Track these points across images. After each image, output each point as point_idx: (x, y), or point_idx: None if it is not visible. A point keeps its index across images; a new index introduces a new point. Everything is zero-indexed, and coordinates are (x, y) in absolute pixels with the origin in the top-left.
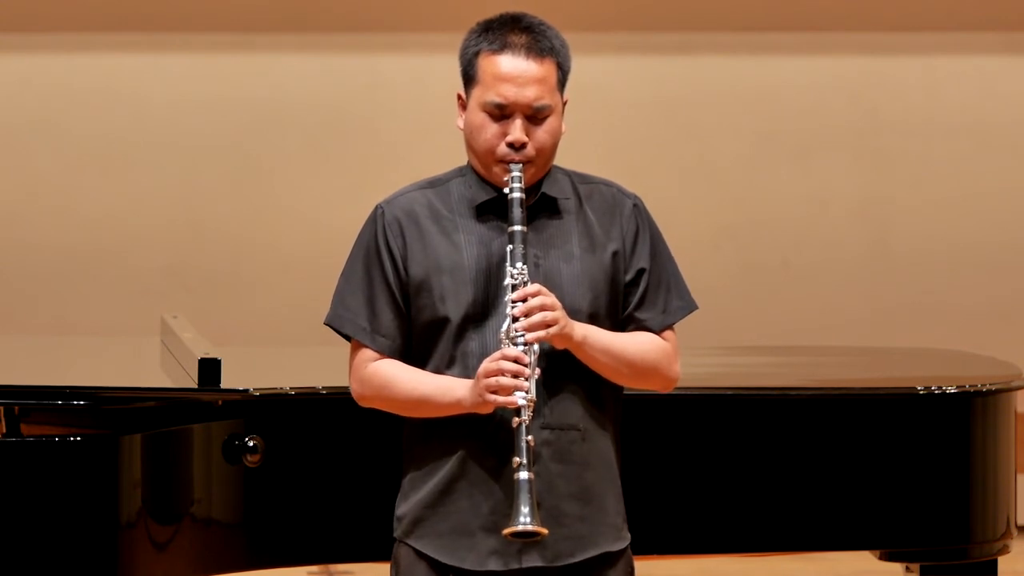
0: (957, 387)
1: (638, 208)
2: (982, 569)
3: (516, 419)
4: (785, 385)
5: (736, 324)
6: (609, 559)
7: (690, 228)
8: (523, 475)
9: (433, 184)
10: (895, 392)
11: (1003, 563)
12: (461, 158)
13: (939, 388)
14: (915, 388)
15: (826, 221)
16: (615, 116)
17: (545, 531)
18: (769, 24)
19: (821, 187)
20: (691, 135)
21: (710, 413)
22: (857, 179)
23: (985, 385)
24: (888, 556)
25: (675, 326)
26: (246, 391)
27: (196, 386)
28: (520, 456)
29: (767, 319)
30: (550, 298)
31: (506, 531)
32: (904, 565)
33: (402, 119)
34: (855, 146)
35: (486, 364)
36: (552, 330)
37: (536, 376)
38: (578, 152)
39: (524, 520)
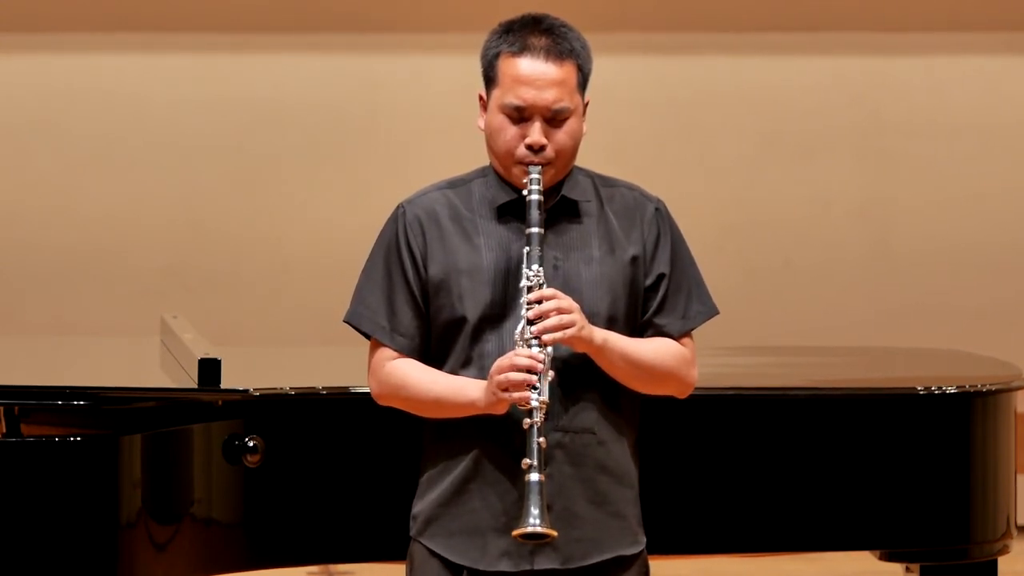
0: (957, 387)
1: (660, 212)
2: (982, 569)
3: (528, 420)
4: (785, 385)
5: (738, 324)
6: (623, 562)
7: (692, 228)
8: (534, 477)
9: (454, 184)
10: (895, 392)
11: (1003, 563)
12: (461, 158)
13: (939, 388)
14: (915, 388)
15: (828, 222)
16: (617, 116)
17: (554, 533)
18: (771, 24)
19: (823, 188)
20: (693, 135)
21: (711, 413)
22: (859, 180)
23: (985, 385)
24: (888, 556)
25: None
26: (246, 391)
27: (196, 386)
28: (531, 458)
29: (769, 319)
30: (566, 301)
31: (515, 532)
32: (904, 565)
33: (402, 119)
34: (858, 147)
35: (499, 363)
36: (569, 332)
37: (549, 378)
38: (580, 152)
39: (533, 522)
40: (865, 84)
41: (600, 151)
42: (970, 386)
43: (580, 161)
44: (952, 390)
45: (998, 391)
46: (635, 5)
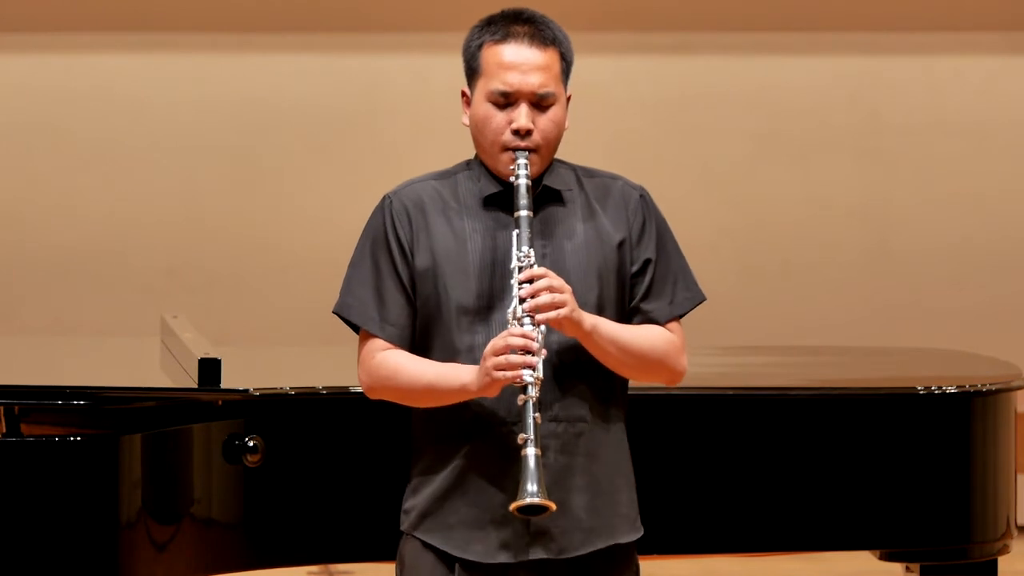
0: (957, 387)
1: (644, 199)
2: (982, 569)
3: (522, 396)
4: (785, 385)
5: (736, 325)
6: (620, 550)
7: (690, 229)
8: (530, 451)
9: (441, 176)
10: (895, 392)
11: (1003, 563)
12: (461, 157)
13: (939, 388)
14: (915, 388)
15: (826, 222)
16: (614, 116)
17: (553, 505)
18: (769, 24)
19: (821, 188)
20: (691, 135)
21: (710, 413)
22: (857, 180)
23: (985, 385)
24: (888, 556)
25: (682, 319)
26: (246, 391)
27: (196, 386)
28: (527, 432)
29: (767, 320)
30: (558, 280)
31: (513, 505)
32: (904, 565)
33: (403, 119)
34: (855, 147)
35: (494, 342)
36: (562, 312)
37: (543, 355)
38: (578, 152)
39: (532, 490)
40: (863, 84)
41: (598, 151)
42: (970, 386)
43: (580, 160)
44: (952, 390)
45: (998, 391)
46: (633, 5)
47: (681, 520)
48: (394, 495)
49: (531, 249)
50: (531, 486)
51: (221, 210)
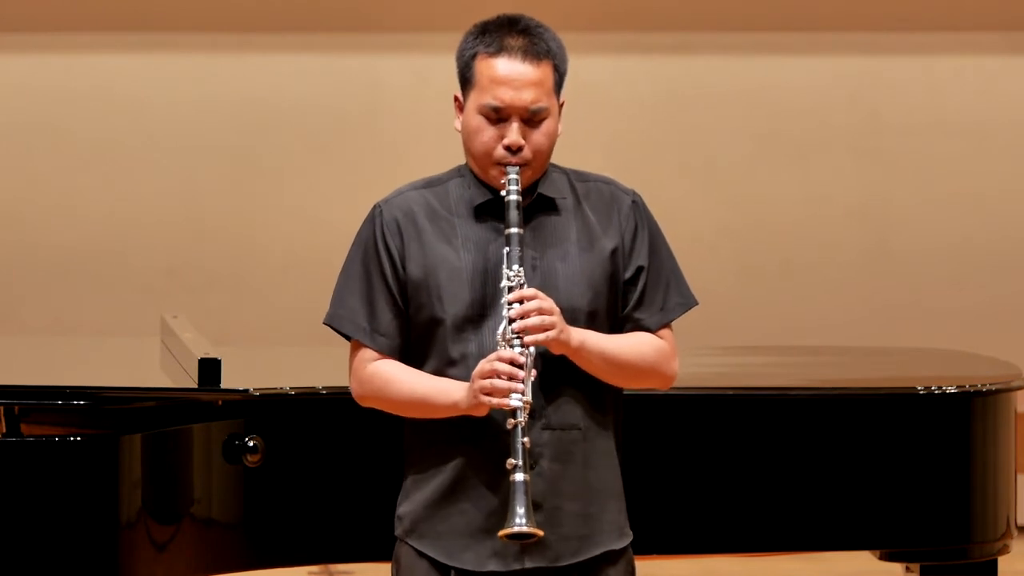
0: (957, 387)
1: (636, 204)
2: (982, 569)
3: (511, 421)
4: (785, 385)
5: (736, 325)
6: (611, 557)
7: (689, 228)
8: (519, 477)
9: (431, 184)
10: (895, 392)
11: (1003, 563)
12: (461, 158)
13: (939, 388)
14: (915, 388)
15: (826, 221)
16: (614, 116)
17: (540, 532)
18: (769, 24)
19: (821, 187)
20: (690, 135)
21: (710, 413)
22: (857, 179)
23: (985, 385)
24: (888, 556)
25: (675, 322)
26: (246, 391)
27: (196, 386)
28: (516, 458)
29: (767, 320)
30: (547, 302)
31: (501, 532)
32: (904, 565)
33: (402, 119)
34: (855, 146)
35: (481, 365)
36: (550, 334)
37: (532, 378)
38: (577, 152)
39: (519, 521)
40: (863, 84)
41: (597, 151)
42: (970, 386)
43: (579, 160)
44: (952, 390)
45: (998, 391)
46: (631, 5)
47: (681, 520)
48: (394, 495)
49: (521, 268)
50: (519, 515)
51: (221, 210)
